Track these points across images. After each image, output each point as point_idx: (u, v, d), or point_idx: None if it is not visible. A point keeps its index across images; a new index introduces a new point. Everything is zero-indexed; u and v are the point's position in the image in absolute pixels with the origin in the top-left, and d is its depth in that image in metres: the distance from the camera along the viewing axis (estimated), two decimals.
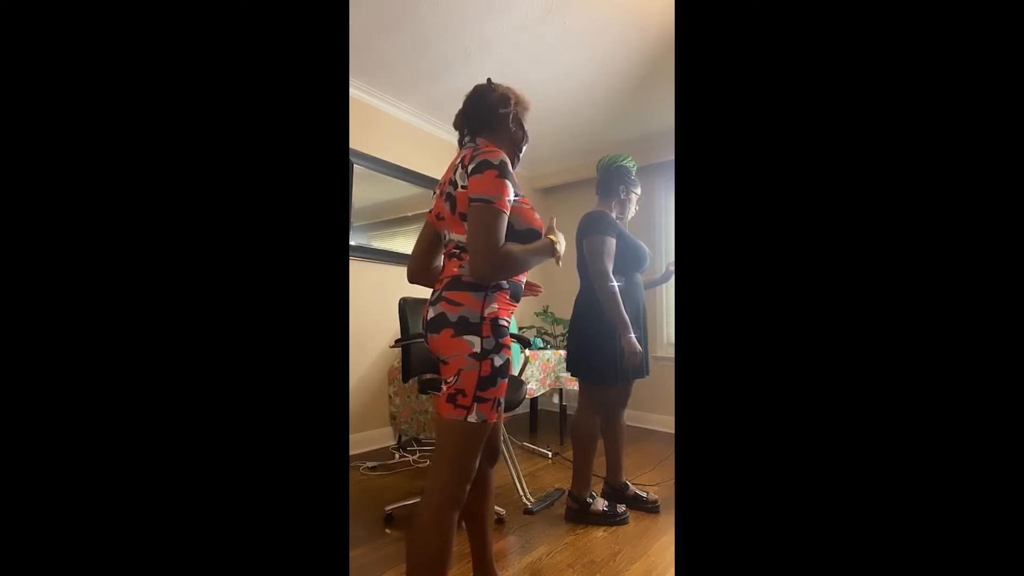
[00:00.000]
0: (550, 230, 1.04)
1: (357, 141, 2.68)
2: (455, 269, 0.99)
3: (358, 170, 2.69)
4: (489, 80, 1.14)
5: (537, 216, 1.04)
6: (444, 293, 0.98)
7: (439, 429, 0.97)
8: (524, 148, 1.14)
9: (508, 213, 0.95)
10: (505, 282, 1.00)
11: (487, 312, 0.96)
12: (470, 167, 0.95)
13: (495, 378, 0.95)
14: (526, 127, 1.13)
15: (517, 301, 1.05)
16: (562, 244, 1.04)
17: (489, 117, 1.09)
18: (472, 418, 0.93)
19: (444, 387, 0.96)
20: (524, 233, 1.00)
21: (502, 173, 0.94)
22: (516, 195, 1.00)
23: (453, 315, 0.95)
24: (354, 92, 2.66)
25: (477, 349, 0.93)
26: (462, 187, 0.96)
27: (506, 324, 0.99)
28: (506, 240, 0.97)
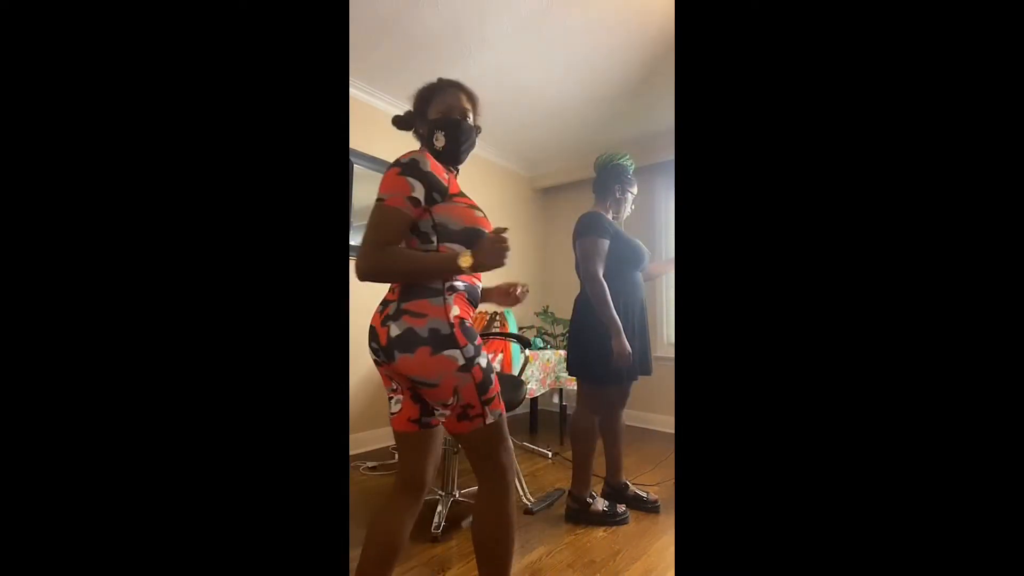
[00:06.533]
0: (488, 239, 0.92)
1: (357, 141, 2.68)
2: None
3: (358, 170, 2.68)
4: (439, 79, 1.09)
5: (479, 215, 0.98)
6: (403, 305, 0.91)
7: (465, 445, 0.97)
8: (449, 146, 1.02)
9: (405, 210, 0.90)
10: (460, 283, 0.97)
11: (452, 316, 0.92)
12: None
13: (489, 377, 0.95)
14: (456, 124, 1.02)
15: (475, 305, 1.00)
16: (473, 262, 0.89)
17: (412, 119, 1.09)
18: (489, 419, 0.94)
19: (443, 409, 0.93)
20: (461, 232, 0.95)
21: (404, 171, 0.91)
22: (438, 193, 0.94)
23: (422, 328, 0.89)
24: (354, 92, 2.66)
25: (462, 361, 0.90)
26: None
27: (471, 325, 0.97)
28: (443, 239, 0.94)
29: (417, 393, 0.96)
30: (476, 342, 0.94)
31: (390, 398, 1.02)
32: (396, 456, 2.70)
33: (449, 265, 0.91)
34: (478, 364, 0.93)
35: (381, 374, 1.00)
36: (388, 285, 0.99)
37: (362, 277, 0.90)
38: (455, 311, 0.94)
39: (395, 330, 0.90)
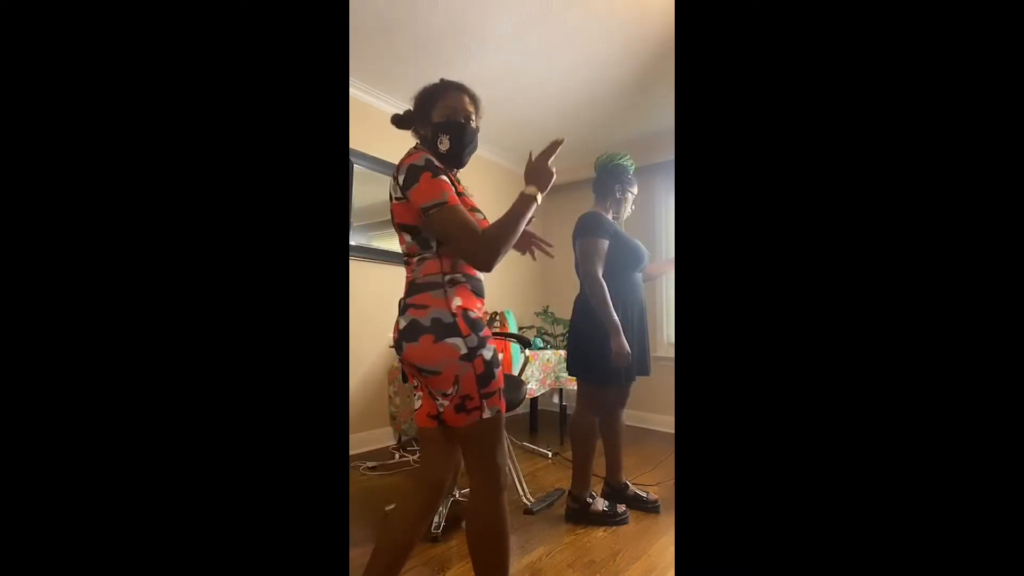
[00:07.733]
0: (529, 165, 0.98)
1: (357, 141, 2.68)
2: (409, 275, 1.00)
3: (358, 170, 2.69)
4: (441, 80, 1.10)
5: (480, 217, 1.00)
6: (408, 300, 0.97)
7: (461, 439, 0.97)
8: (453, 149, 1.02)
9: (460, 204, 0.93)
10: (461, 276, 0.98)
11: (455, 307, 0.94)
12: (400, 178, 0.94)
13: (491, 371, 0.95)
14: (461, 128, 1.02)
15: (480, 296, 1.03)
16: (538, 191, 0.97)
17: (409, 119, 1.09)
18: (487, 414, 0.94)
19: (443, 399, 0.93)
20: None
21: (435, 173, 0.93)
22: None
23: (424, 318, 0.93)
24: (354, 92, 2.66)
25: (464, 350, 0.92)
26: (396, 199, 0.97)
27: (477, 317, 0.98)
28: (443, 244, 0.97)
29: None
30: (482, 333, 0.95)
31: (415, 394, 1.04)
32: (397, 456, 2.69)
33: (522, 203, 0.95)
34: (481, 355, 0.93)
35: (407, 372, 1.04)
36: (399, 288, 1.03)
37: (490, 266, 0.92)
38: (457, 302, 0.95)
39: (403, 323, 0.96)
